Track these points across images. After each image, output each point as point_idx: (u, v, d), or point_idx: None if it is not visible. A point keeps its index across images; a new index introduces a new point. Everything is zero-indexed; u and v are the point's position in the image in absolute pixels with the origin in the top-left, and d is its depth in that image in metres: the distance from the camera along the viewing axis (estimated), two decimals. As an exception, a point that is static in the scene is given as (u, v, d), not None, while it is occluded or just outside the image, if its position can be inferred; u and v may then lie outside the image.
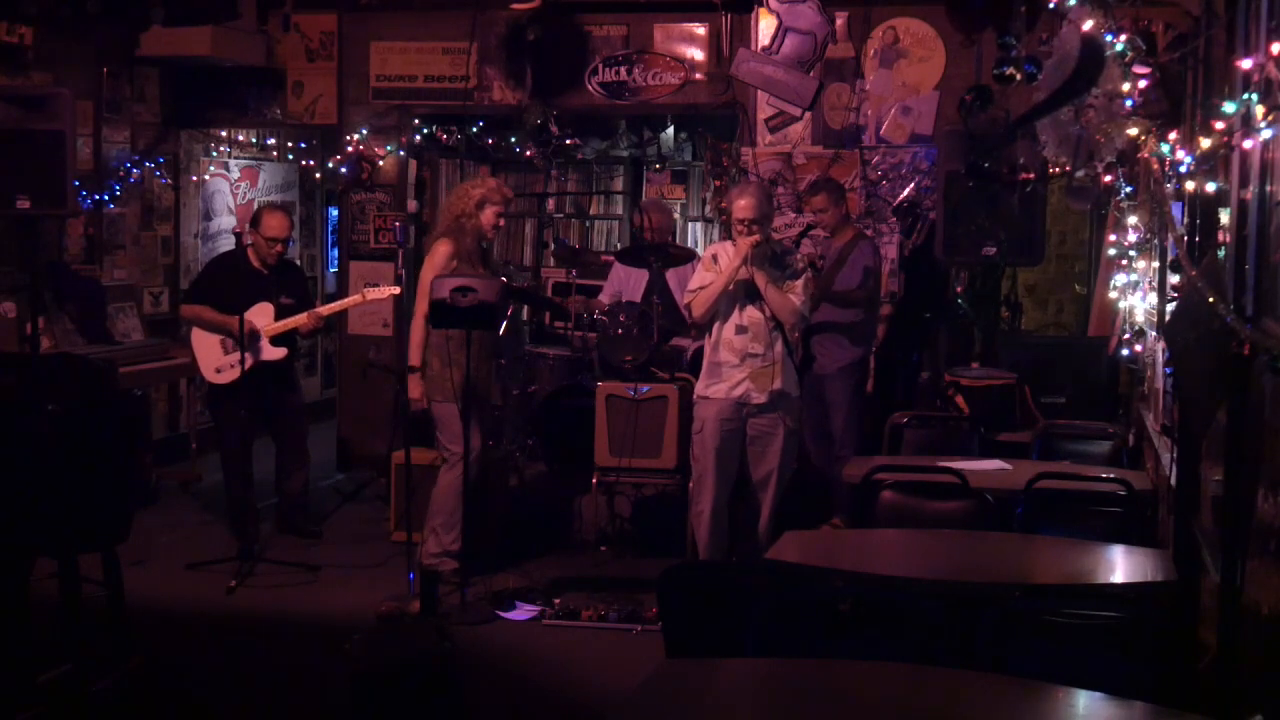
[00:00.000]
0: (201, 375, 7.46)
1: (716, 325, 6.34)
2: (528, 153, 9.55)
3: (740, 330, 6.28)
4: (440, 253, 6.65)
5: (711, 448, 6.31)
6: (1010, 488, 5.31)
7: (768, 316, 6.26)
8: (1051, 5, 4.64)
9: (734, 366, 6.29)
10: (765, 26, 8.06)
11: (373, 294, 7.51)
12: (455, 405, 6.50)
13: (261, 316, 7.26)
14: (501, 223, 6.77)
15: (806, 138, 8.44)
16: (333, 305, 7.74)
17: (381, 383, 8.36)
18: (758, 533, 6.37)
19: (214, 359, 7.28)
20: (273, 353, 7.30)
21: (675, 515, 7.06)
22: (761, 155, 8.48)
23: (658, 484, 7.32)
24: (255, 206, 10.60)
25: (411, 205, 8.30)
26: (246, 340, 7.02)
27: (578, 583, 6.76)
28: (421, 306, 6.56)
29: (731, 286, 6.24)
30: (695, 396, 6.46)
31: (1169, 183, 4.79)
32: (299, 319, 7.33)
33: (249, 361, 7.07)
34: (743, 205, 6.24)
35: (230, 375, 7.13)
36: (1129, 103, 4.61)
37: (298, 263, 9.70)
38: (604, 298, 8.26)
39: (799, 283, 6.34)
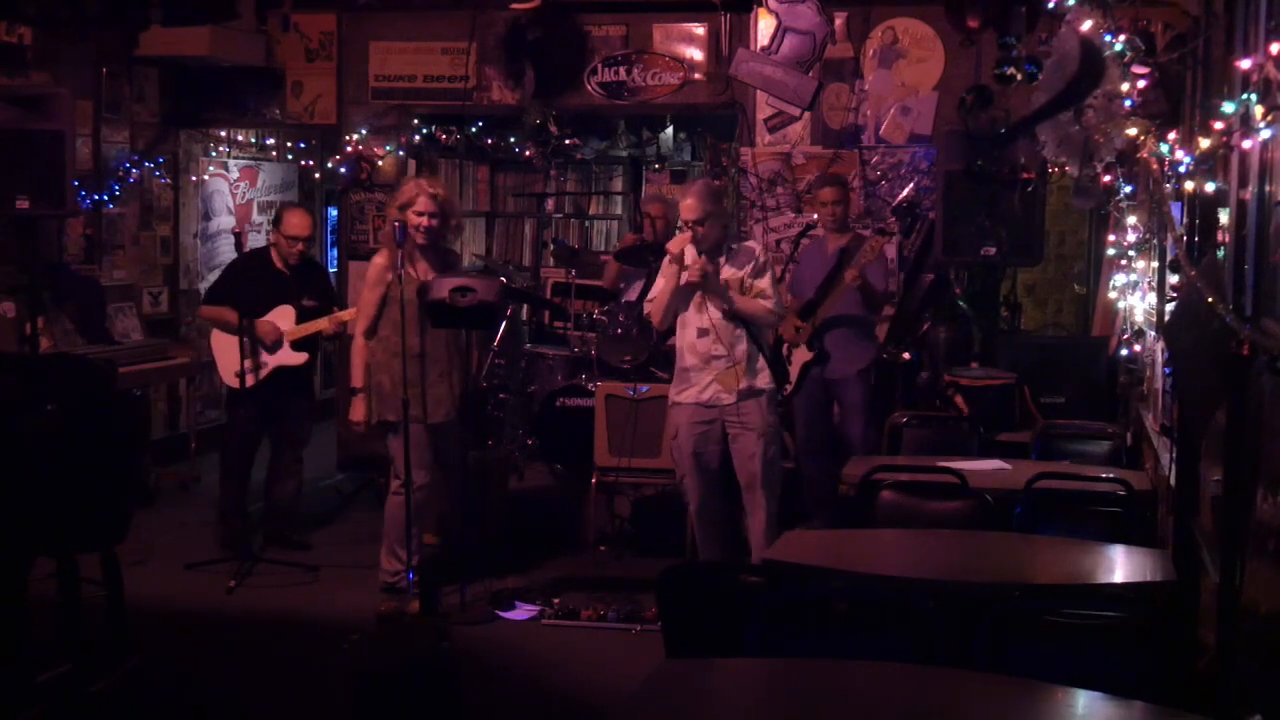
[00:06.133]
0: (220, 377, 7.34)
1: (679, 330, 6.23)
2: (527, 153, 9.56)
3: (702, 333, 6.13)
4: (375, 265, 6.29)
5: (687, 452, 6.25)
6: (1010, 488, 5.30)
7: (728, 316, 6.11)
8: (1051, 5, 4.65)
9: (699, 370, 6.17)
10: (764, 26, 8.06)
11: None
12: (414, 425, 6.15)
13: (283, 319, 7.10)
14: (426, 223, 6.15)
15: (806, 138, 8.44)
16: (353, 310, 7.61)
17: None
18: (756, 543, 6.21)
19: (234, 362, 7.00)
20: (293, 357, 7.12)
21: (675, 515, 7.05)
22: (761, 155, 8.48)
23: (657, 484, 7.31)
24: (254, 206, 10.65)
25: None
26: (269, 345, 6.99)
27: (577, 583, 6.76)
28: (360, 324, 6.29)
29: (695, 300, 6.07)
30: (669, 402, 6.36)
31: (1168, 183, 4.78)
32: (320, 323, 7.12)
33: (267, 367, 7.04)
34: (686, 205, 6.12)
35: (249, 380, 7.00)
36: (1128, 103, 4.62)
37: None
38: (631, 296, 8.02)
39: (764, 280, 6.16)
